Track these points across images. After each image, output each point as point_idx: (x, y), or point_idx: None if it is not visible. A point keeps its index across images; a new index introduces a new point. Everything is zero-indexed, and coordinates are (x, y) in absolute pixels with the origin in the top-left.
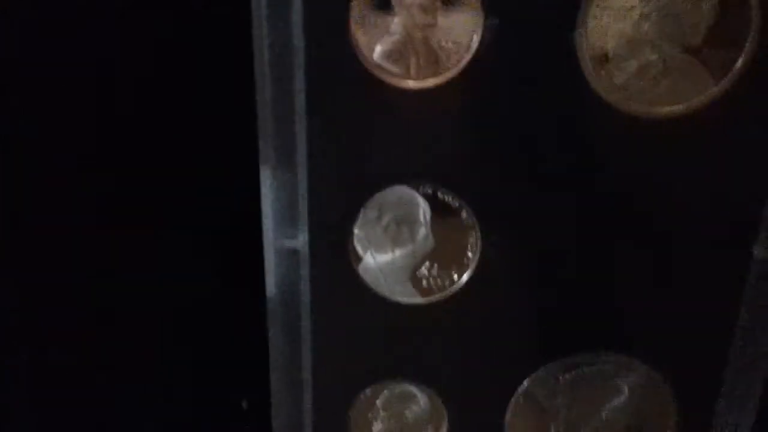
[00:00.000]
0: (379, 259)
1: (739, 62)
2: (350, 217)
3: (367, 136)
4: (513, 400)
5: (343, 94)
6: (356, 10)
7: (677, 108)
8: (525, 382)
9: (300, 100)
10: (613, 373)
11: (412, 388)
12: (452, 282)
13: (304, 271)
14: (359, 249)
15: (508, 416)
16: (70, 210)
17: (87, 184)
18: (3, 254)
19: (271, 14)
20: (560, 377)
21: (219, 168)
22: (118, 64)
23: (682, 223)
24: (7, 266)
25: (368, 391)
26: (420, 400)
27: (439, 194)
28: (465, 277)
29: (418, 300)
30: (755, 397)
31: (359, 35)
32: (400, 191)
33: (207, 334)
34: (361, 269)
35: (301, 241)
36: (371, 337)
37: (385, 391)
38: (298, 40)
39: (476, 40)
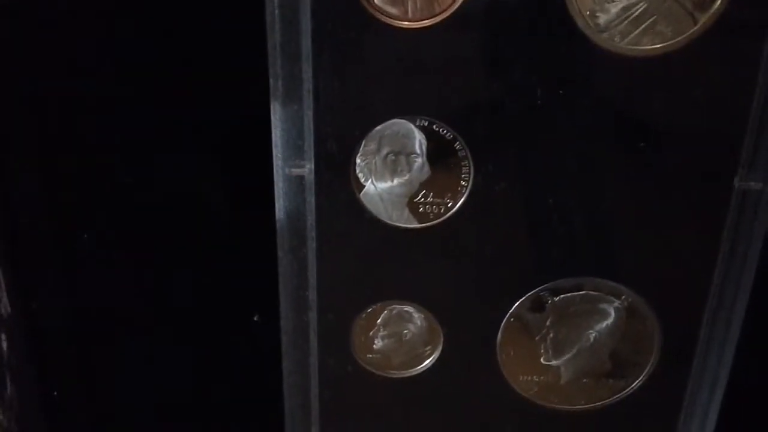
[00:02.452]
0: (379, 187)
1: (718, 3)
2: (352, 148)
3: (367, 73)
4: (504, 321)
5: (346, 34)
6: None
7: (658, 47)
8: (515, 305)
9: (306, 41)
10: (600, 298)
11: (410, 309)
12: (447, 209)
13: (310, 198)
14: (361, 177)
15: (499, 336)
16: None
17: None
18: None
19: None
20: (549, 300)
21: (234, 102)
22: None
23: (666, 155)
24: None
25: (369, 310)
26: (417, 320)
27: (435, 127)
28: (459, 204)
29: (415, 225)
30: (738, 319)
31: None
32: (398, 124)
33: (223, 253)
34: (362, 196)
35: (307, 169)
36: (371, 259)
37: (385, 312)
38: None
39: None
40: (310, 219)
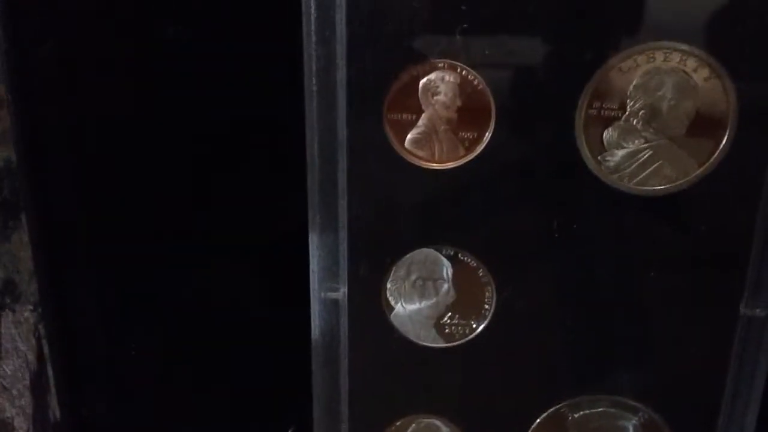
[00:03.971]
0: (408, 309)
1: (719, 149)
2: (383, 274)
3: (398, 207)
4: None
5: (378, 173)
6: (391, 107)
7: (663, 188)
8: (537, 420)
9: (342, 178)
10: (618, 415)
11: (437, 422)
12: (471, 330)
13: (344, 319)
14: (391, 300)
15: None
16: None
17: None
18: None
19: (320, 113)
20: (570, 416)
21: (277, 234)
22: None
23: (676, 282)
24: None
25: (398, 423)
26: None
27: (460, 255)
28: (482, 325)
29: (442, 344)
30: None
31: (392, 126)
32: (426, 252)
33: (261, 369)
34: (392, 317)
35: (341, 293)
36: (400, 375)
37: (413, 424)
38: (342, 129)
39: (488, 134)
40: (344, 338)
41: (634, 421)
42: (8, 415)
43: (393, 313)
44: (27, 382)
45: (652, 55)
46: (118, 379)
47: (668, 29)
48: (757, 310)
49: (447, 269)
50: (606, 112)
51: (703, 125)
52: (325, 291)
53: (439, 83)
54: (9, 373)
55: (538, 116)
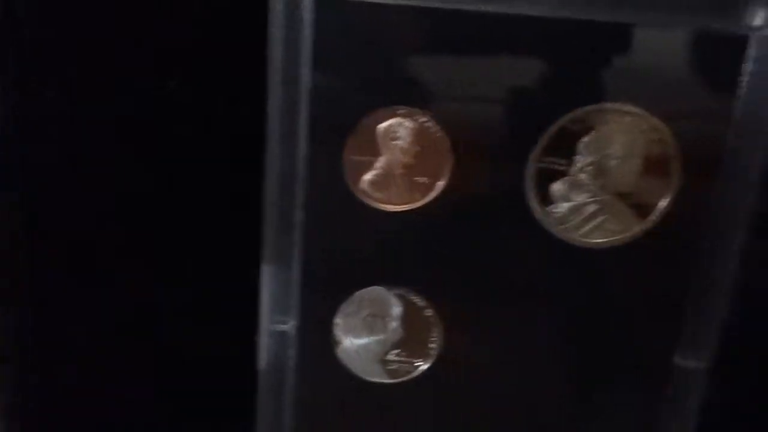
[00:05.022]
0: (355, 344)
1: (661, 206)
2: (334, 309)
3: (352, 245)
4: None
5: (334, 211)
6: (350, 148)
7: (606, 241)
8: None
9: (299, 214)
10: None
11: None
12: (416, 368)
13: (291, 351)
14: (339, 335)
15: None
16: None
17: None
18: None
19: (282, 149)
20: None
21: (229, 265)
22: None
23: (613, 335)
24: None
25: None
26: None
27: (409, 295)
28: (426, 365)
29: (386, 380)
30: None
31: (351, 167)
32: (377, 291)
33: (208, 397)
34: (339, 351)
35: (290, 325)
36: (346, 409)
37: None
38: (301, 168)
39: (443, 181)
40: (290, 370)
41: None
42: None
43: (340, 347)
44: None
45: (603, 115)
46: None
47: (622, 91)
48: (692, 362)
49: (396, 308)
50: (556, 166)
51: (648, 183)
52: (275, 323)
53: (398, 128)
54: None
55: (492, 166)
